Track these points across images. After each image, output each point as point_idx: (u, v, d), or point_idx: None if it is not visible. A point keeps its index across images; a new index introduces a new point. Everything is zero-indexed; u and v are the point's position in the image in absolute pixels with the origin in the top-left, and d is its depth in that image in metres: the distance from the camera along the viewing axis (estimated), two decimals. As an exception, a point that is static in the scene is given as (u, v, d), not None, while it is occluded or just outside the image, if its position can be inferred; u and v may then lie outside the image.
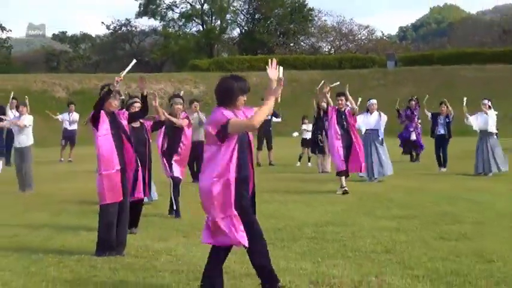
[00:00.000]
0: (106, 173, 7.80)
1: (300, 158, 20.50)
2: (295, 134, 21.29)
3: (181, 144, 10.72)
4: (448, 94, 27.64)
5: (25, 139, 14.66)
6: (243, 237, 5.66)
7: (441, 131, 18.10)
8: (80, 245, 8.51)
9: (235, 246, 5.87)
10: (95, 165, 19.94)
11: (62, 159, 23.18)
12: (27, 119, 14.66)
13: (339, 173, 13.19)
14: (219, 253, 5.86)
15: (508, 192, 13.07)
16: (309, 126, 20.15)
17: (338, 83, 14.14)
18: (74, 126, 23.38)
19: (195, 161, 14.26)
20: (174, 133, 10.63)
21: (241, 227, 5.64)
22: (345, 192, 12.92)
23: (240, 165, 5.70)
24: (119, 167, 7.87)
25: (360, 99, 14.38)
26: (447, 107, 18.21)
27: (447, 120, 17.98)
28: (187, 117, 11.01)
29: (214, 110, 5.84)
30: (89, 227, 9.77)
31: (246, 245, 5.70)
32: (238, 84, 5.86)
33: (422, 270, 6.76)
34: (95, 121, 7.81)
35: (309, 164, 19.95)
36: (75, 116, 23.48)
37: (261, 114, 5.67)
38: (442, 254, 7.52)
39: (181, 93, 13.63)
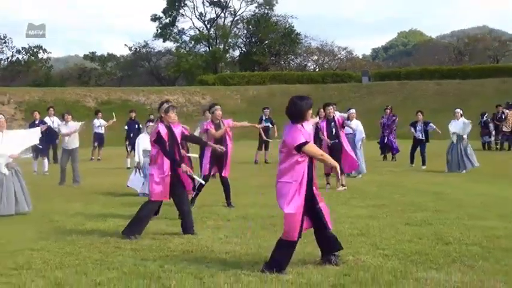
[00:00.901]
0: (159, 176, 7.84)
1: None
2: None
3: (227, 148, 10.43)
4: (413, 104, 27.73)
5: (73, 142, 14.65)
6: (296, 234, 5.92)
7: (420, 135, 17.94)
8: (107, 229, 8.52)
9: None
10: (119, 163, 20.01)
11: (93, 158, 23.16)
12: (77, 125, 14.71)
13: (326, 174, 13.13)
14: (288, 248, 5.98)
15: (463, 186, 13.09)
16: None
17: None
18: (102, 130, 23.37)
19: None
20: (219, 139, 10.27)
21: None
22: (328, 184, 12.94)
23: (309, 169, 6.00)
24: (169, 172, 7.88)
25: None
26: (423, 114, 18.10)
27: (425, 127, 17.78)
28: (228, 125, 10.71)
29: (292, 126, 6.04)
30: (115, 215, 9.79)
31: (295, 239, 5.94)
32: (306, 102, 6.07)
33: (391, 251, 6.77)
34: (158, 140, 7.83)
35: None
36: (102, 122, 23.46)
37: (325, 159, 6.18)
38: (407, 237, 7.54)
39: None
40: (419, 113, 18.15)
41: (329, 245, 6.22)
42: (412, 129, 18.15)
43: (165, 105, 8.09)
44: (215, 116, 10.58)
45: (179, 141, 8.15)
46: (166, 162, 7.85)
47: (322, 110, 14.46)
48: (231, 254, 6.78)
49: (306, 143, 5.84)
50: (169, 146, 7.86)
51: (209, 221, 8.93)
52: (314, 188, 6.09)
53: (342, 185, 12.74)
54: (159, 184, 7.85)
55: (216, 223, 8.81)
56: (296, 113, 6.01)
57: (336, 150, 12.77)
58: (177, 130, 8.11)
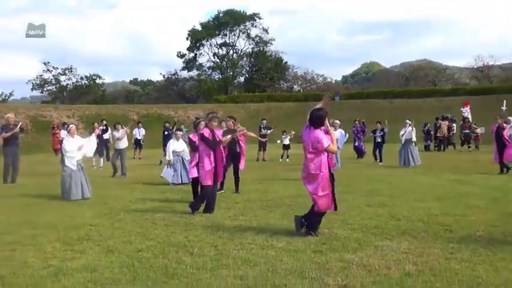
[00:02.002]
0: (207, 168, 7.90)
1: (282, 156, 20.48)
2: (278, 141, 21.27)
3: (239, 148, 10.55)
4: (372, 117, 27.63)
5: (123, 144, 14.78)
6: (333, 205, 6.12)
7: (378, 139, 17.97)
8: (147, 209, 8.52)
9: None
10: (155, 161, 19.90)
11: (134, 157, 23.12)
12: (124, 131, 14.94)
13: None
14: (320, 216, 6.20)
15: (409, 177, 13.07)
16: (287, 137, 20.21)
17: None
18: (141, 136, 23.38)
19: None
20: (232, 142, 10.01)
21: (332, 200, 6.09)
22: None
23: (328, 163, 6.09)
24: (213, 164, 7.96)
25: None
26: (381, 124, 18.13)
27: (382, 133, 17.92)
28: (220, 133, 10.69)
29: (313, 131, 6.01)
30: (151, 199, 9.79)
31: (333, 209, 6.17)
32: (322, 112, 6.08)
33: (357, 225, 6.78)
34: (203, 138, 7.99)
35: (287, 159, 19.90)
36: (142, 130, 23.44)
37: (334, 144, 6.09)
38: (369, 215, 7.54)
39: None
40: (378, 123, 18.22)
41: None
42: (372, 134, 18.29)
43: (210, 116, 8.46)
44: (229, 125, 10.55)
45: (219, 139, 8.25)
46: (211, 158, 7.95)
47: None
48: (238, 228, 6.78)
49: (330, 144, 5.96)
50: (213, 144, 8.00)
51: (222, 203, 8.92)
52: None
53: None
54: (207, 173, 7.91)
55: (227, 205, 8.81)
56: (317, 121, 6.03)
57: None
58: (218, 132, 8.28)
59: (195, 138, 9.15)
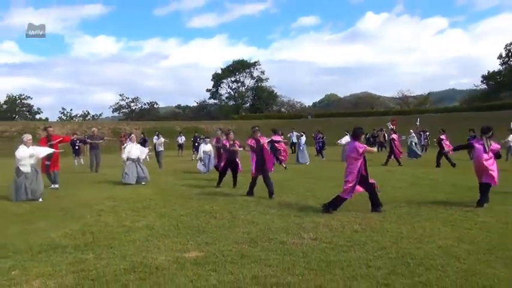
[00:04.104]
0: (252, 165, 7.29)
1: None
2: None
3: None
4: (332, 129, 27.53)
5: (161, 148, 14.83)
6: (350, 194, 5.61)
7: (320, 144, 18.40)
8: (186, 189, 8.46)
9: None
10: (190, 157, 19.57)
11: (179, 155, 22.98)
12: (162, 139, 15.03)
13: (283, 165, 12.29)
14: (342, 200, 5.70)
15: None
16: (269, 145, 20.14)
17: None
18: (183, 141, 23.34)
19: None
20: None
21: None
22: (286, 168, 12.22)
23: (365, 165, 5.62)
24: (255, 162, 7.30)
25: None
26: (320, 132, 18.43)
27: (321, 140, 18.36)
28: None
29: (353, 142, 5.72)
30: (188, 183, 9.73)
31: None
32: (360, 130, 5.84)
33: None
34: (251, 147, 7.32)
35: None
36: (183, 138, 23.41)
37: (371, 150, 5.85)
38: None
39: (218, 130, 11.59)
40: (318, 132, 18.91)
41: (375, 201, 5.86)
42: (314, 140, 18.85)
43: (254, 129, 7.55)
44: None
45: (264, 145, 7.48)
46: (255, 158, 7.23)
47: (272, 132, 13.08)
48: (246, 201, 6.75)
49: (366, 148, 5.65)
50: (257, 149, 7.26)
51: (234, 185, 8.86)
52: (366, 172, 5.74)
53: (285, 168, 12.21)
54: (254, 168, 7.27)
55: (237, 186, 8.77)
56: (356, 135, 5.76)
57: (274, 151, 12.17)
58: (262, 140, 7.45)
59: (227, 143, 9.17)
